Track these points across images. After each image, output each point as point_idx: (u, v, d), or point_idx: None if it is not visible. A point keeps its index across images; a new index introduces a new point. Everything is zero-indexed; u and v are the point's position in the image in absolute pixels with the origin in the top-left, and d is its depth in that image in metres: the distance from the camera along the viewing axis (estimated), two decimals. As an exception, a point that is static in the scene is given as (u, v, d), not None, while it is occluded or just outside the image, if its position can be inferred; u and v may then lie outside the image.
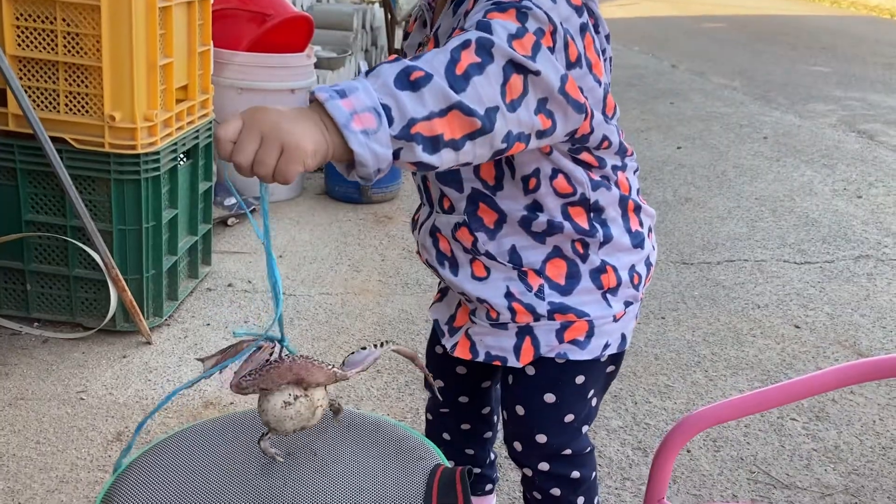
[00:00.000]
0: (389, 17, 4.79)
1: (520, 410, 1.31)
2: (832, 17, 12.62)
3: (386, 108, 0.86)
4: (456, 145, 0.91)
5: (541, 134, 0.99)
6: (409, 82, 0.88)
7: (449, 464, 1.09)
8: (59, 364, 2.20)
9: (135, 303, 2.27)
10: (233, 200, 3.20)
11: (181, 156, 2.44)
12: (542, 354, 1.22)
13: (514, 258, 1.20)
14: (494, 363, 1.26)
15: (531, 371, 1.27)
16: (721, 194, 3.87)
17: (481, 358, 1.26)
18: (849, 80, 6.94)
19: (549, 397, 1.28)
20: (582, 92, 1.03)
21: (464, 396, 1.46)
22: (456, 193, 1.19)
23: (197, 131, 2.51)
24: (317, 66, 3.70)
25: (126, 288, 2.24)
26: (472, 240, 1.21)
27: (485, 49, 0.93)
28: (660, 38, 9.28)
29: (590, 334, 1.22)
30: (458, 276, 1.24)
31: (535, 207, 1.17)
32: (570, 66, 1.04)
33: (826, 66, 7.67)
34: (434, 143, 0.89)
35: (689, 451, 1.95)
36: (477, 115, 0.91)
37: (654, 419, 2.09)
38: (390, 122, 0.86)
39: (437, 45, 1.13)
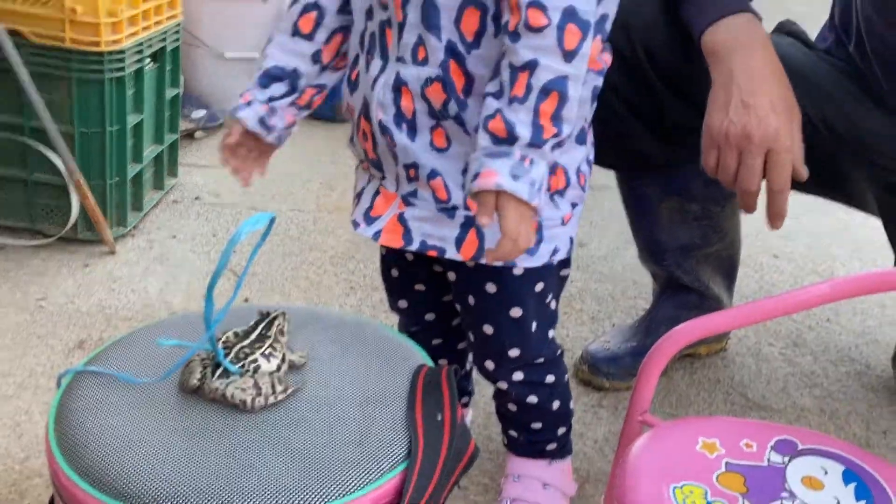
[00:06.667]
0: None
1: (488, 330, 1.26)
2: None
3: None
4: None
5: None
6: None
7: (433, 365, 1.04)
8: (18, 271, 2.11)
9: (98, 210, 2.17)
10: (201, 113, 3.07)
11: (148, 58, 2.31)
12: (487, 262, 1.13)
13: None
14: (429, 253, 1.15)
15: (492, 289, 1.22)
16: (700, 126, 3.82)
17: (415, 246, 1.15)
18: None
19: (516, 311, 1.23)
20: None
21: (430, 314, 1.41)
22: (435, 42, 1.04)
23: (164, 33, 2.38)
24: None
25: (88, 195, 2.14)
26: (444, 98, 1.06)
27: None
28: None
29: (539, 239, 1.16)
30: (415, 143, 1.09)
31: None
32: None
33: None
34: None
35: (665, 373, 1.93)
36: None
37: (632, 341, 2.06)
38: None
39: None
